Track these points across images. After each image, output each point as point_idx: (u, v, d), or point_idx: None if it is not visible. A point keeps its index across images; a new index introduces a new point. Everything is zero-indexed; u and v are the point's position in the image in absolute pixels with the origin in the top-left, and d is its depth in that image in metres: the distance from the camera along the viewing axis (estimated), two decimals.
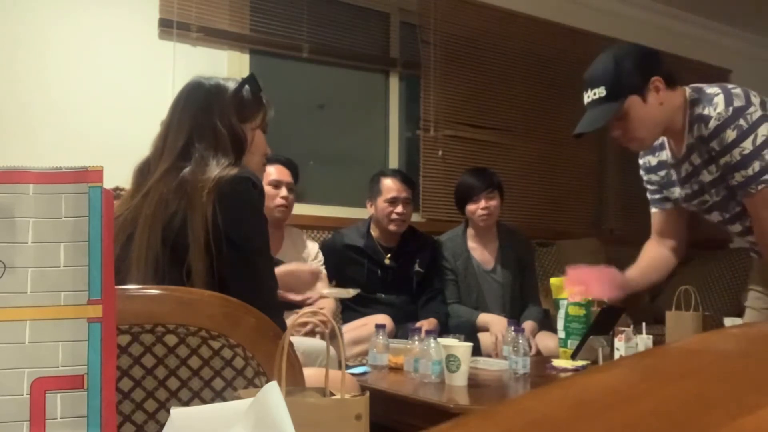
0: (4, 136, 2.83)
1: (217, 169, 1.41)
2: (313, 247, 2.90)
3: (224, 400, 0.96)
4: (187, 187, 1.39)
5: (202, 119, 1.49)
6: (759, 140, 1.76)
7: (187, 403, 0.95)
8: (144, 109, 2.95)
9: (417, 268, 3.10)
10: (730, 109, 1.78)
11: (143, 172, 1.49)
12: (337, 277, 2.97)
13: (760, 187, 1.78)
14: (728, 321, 2.60)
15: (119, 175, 2.41)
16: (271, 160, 2.66)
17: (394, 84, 4.00)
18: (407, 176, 3.16)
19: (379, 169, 3.40)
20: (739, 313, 2.63)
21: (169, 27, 3.20)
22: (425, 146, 3.95)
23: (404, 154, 4.03)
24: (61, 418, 0.54)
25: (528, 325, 2.88)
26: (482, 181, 3.05)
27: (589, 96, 1.89)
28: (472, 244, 3.17)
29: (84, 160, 0.62)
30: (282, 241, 2.76)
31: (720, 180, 1.89)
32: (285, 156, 2.79)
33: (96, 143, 2.90)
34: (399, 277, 3.06)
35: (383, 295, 3.03)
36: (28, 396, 0.53)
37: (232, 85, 1.55)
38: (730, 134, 1.78)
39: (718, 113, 1.79)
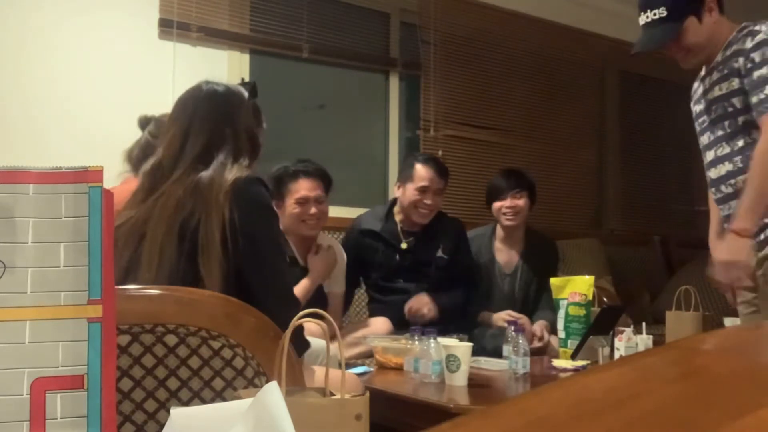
0: (8, 136, 2.84)
1: (232, 172, 1.45)
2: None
3: (224, 400, 0.96)
4: (203, 189, 1.41)
5: (224, 126, 1.52)
6: None
7: (187, 403, 0.95)
8: (144, 109, 2.93)
9: (440, 254, 2.88)
10: None
11: (155, 174, 1.49)
12: (354, 265, 2.79)
13: None
14: (728, 321, 2.60)
15: (120, 175, 2.41)
16: (299, 173, 2.49)
17: (394, 84, 4.00)
18: (442, 165, 2.94)
19: (381, 168, 3.36)
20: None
21: (169, 27, 3.20)
22: (425, 146, 3.94)
23: (404, 154, 4.02)
24: (61, 418, 0.54)
25: (541, 322, 2.85)
26: (511, 180, 2.99)
27: (648, 16, 2.03)
28: (497, 245, 3.07)
29: (83, 159, 0.62)
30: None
31: (724, 98, 1.99)
32: (313, 164, 2.55)
33: (96, 143, 2.90)
34: (419, 263, 2.87)
35: (402, 282, 2.87)
36: (28, 396, 0.53)
37: (244, 92, 1.59)
38: None
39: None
